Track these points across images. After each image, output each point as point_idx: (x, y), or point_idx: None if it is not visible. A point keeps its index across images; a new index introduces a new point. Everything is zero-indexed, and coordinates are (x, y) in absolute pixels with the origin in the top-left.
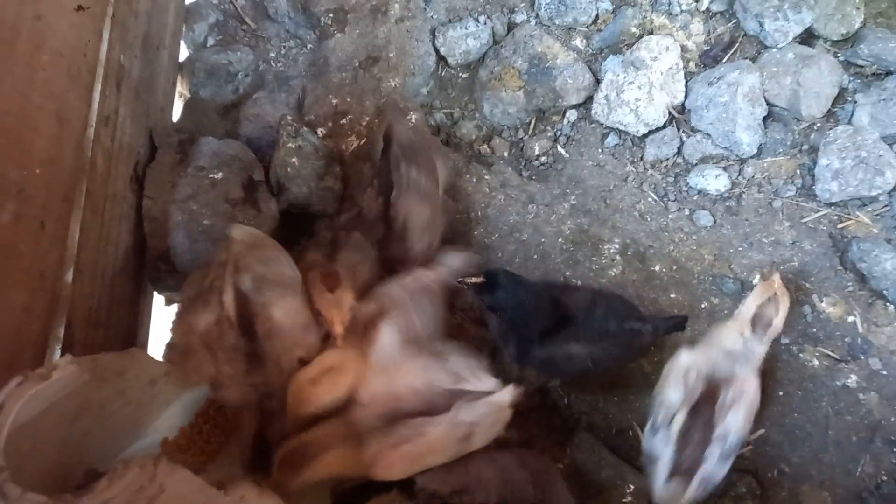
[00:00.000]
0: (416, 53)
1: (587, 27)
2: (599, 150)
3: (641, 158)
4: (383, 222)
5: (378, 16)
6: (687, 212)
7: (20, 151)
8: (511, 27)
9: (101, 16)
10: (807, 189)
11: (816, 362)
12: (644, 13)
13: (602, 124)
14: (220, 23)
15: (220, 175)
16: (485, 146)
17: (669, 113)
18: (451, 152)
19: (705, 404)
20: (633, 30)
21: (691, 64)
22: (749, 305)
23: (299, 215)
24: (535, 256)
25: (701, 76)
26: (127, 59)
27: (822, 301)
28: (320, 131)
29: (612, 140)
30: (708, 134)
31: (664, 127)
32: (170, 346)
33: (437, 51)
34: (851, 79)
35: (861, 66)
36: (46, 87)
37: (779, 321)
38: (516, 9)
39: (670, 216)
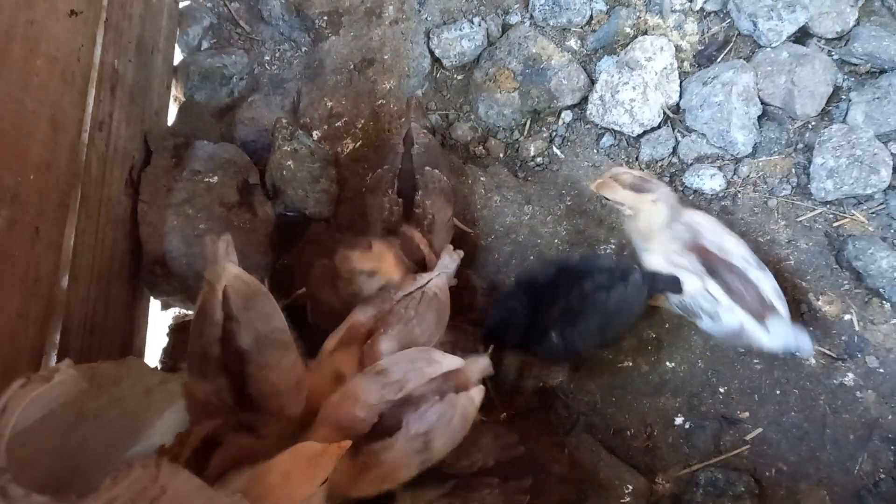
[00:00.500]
0: (410, 55)
1: (581, 28)
2: (595, 151)
3: (637, 159)
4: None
5: (372, 18)
6: None
7: (14, 157)
8: (505, 28)
9: (94, 20)
10: (802, 188)
11: (813, 361)
12: (638, 13)
13: (597, 125)
14: (214, 26)
15: (215, 179)
16: (480, 147)
17: (664, 113)
18: (447, 153)
19: (709, 263)
20: (628, 30)
21: (686, 64)
22: (622, 199)
23: (295, 218)
24: (532, 257)
25: (695, 76)
26: (121, 63)
27: (818, 299)
28: (315, 134)
29: (607, 140)
30: (703, 134)
31: (659, 127)
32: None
33: (431, 53)
34: (846, 77)
35: (855, 65)
36: (40, 92)
37: (642, 176)
38: (510, 10)
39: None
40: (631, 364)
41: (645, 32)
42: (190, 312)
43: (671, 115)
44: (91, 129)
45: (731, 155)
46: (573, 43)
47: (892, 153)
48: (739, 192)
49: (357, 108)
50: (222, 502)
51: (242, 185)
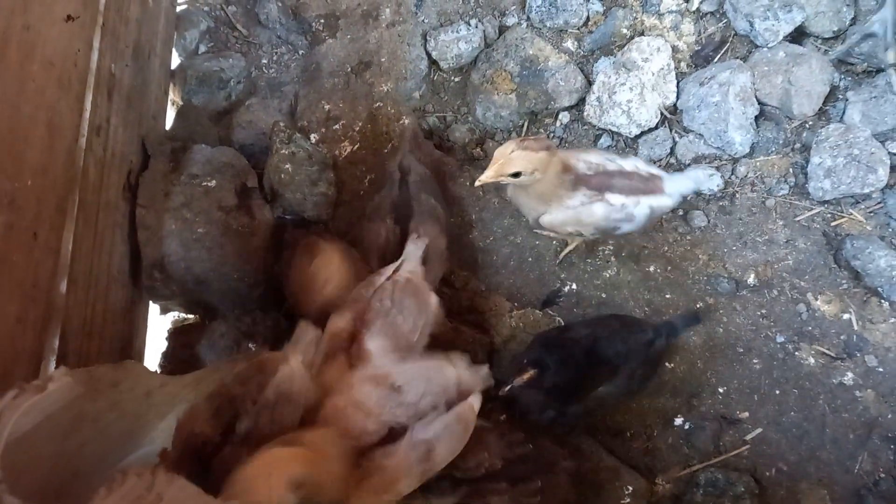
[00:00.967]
0: (407, 58)
1: (578, 29)
2: None
3: None
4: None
5: (369, 21)
6: (680, 212)
7: (11, 162)
8: (502, 30)
9: (91, 25)
10: (800, 187)
11: (812, 360)
12: (635, 14)
13: (594, 126)
14: (211, 30)
15: (213, 182)
16: (478, 149)
17: (661, 114)
18: (444, 156)
19: (596, 184)
20: (624, 31)
21: (682, 64)
22: (536, 164)
23: (293, 221)
24: (530, 259)
25: (692, 76)
26: (118, 67)
27: (816, 299)
28: (313, 137)
29: (604, 141)
30: (700, 134)
31: (656, 128)
32: None
33: (428, 55)
34: (843, 76)
35: (852, 64)
36: (37, 97)
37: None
38: (507, 11)
39: (664, 216)
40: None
41: (642, 33)
42: (189, 317)
43: (668, 115)
44: (88, 134)
45: (729, 155)
46: (570, 44)
47: (889, 152)
48: (737, 192)
49: (354, 111)
50: None
51: (240, 188)
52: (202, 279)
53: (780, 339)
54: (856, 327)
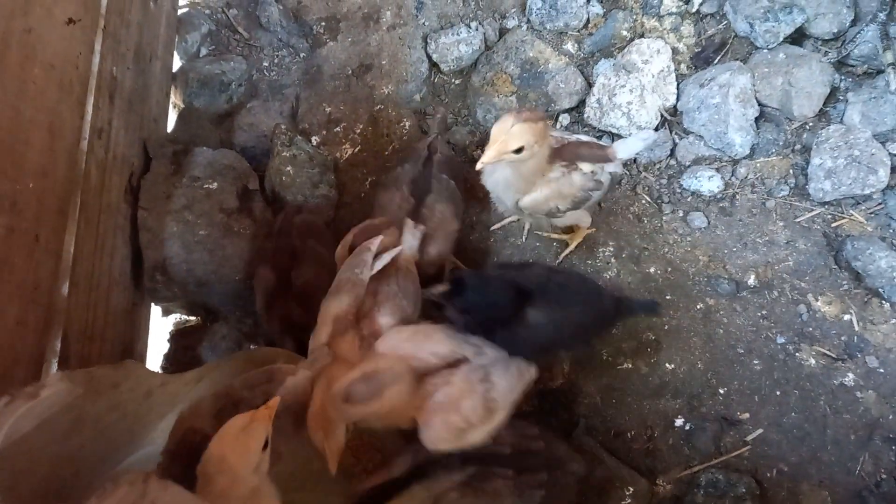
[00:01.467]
0: (408, 60)
1: (578, 31)
2: None
3: (634, 161)
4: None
5: (370, 24)
6: (681, 213)
7: (12, 165)
8: (503, 33)
9: (92, 28)
10: (800, 189)
11: (813, 361)
12: (635, 16)
13: (595, 128)
14: (212, 33)
15: (214, 185)
16: (479, 151)
17: (661, 115)
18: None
19: (567, 156)
20: (624, 33)
21: (682, 66)
22: (538, 135)
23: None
24: (531, 260)
25: (692, 78)
26: (119, 70)
27: (817, 300)
28: (314, 139)
29: (604, 143)
30: (700, 135)
31: (657, 129)
32: None
33: (429, 57)
34: (843, 78)
35: (852, 66)
36: (38, 100)
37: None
38: (507, 14)
39: (664, 218)
40: (630, 366)
41: (641, 35)
42: (191, 319)
43: (668, 117)
44: (90, 137)
45: (729, 156)
46: (570, 46)
47: (889, 153)
48: (738, 193)
49: (355, 114)
50: None
51: (242, 190)
52: (204, 281)
53: (780, 340)
54: (856, 328)
